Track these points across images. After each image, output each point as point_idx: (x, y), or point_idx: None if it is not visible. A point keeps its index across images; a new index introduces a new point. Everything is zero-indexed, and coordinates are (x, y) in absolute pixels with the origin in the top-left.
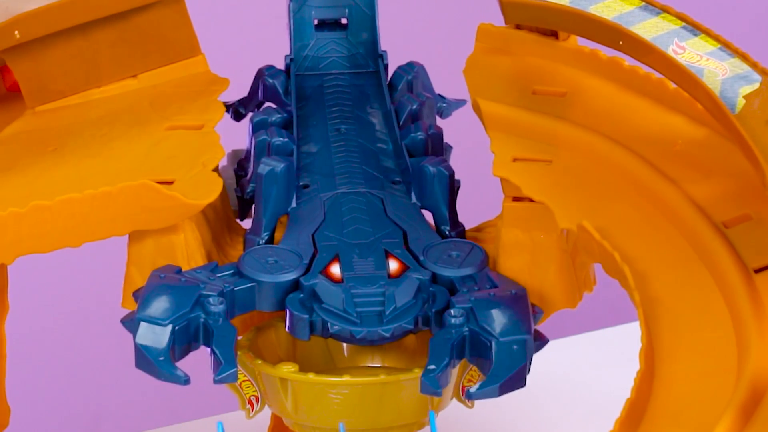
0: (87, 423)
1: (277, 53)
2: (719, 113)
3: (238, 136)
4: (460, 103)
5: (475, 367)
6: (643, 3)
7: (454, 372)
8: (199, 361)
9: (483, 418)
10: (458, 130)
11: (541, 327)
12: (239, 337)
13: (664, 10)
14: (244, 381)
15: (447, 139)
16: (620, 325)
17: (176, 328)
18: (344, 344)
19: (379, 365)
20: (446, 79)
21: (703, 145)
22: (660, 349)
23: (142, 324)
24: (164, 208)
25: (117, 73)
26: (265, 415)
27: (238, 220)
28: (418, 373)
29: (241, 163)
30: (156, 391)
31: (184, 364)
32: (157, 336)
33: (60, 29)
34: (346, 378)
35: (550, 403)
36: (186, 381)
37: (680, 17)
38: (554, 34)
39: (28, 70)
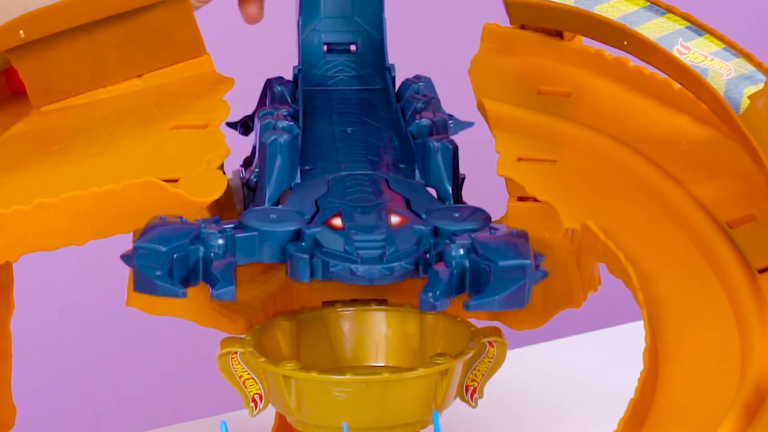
0: (87, 422)
1: (282, 53)
2: (723, 113)
3: (242, 136)
4: (468, 124)
5: (478, 367)
6: (648, 3)
7: (458, 371)
8: (200, 360)
9: (485, 418)
10: (462, 130)
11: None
12: (243, 336)
13: (669, 10)
14: (247, 379)
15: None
16: (621, 325)
17: (175, 255)
18: (348, 343)
19: (382, 364)
20: (451, 79)
21: (707, 146)
22: (664, 349)
23: (140, 249)
24: (169, 206)
25: (122, 73)
26: (269, 415)
27: None
28: (421, 371)
29: (247, 160)
30: (157, 390)
31: (186, 363)
32: (155, 256)
33: (65, 29)
34: (349, 376)
35: (551, 403)
36: (184, 294)
37: (685, 17)
38: (559, 35)
39: (33, 71)
